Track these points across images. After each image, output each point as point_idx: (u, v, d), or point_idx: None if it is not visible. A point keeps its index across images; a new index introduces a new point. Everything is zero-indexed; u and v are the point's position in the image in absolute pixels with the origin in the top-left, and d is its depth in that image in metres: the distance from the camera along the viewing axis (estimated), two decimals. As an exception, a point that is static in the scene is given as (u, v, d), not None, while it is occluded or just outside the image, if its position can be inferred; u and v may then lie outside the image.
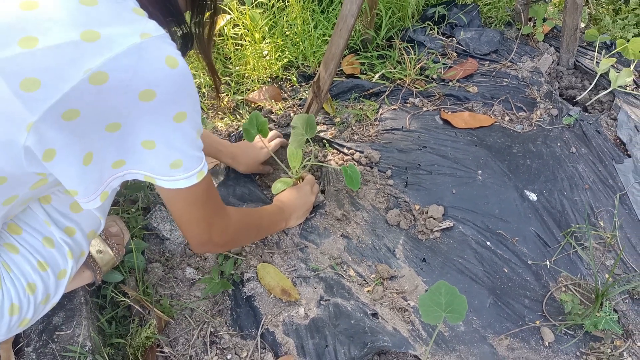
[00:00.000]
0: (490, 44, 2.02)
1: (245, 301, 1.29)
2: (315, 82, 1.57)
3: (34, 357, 1.05)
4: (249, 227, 1.18)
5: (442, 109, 1.79)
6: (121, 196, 1.43)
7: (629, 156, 1.69)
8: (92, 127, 0.70)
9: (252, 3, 1.91)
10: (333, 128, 1.74)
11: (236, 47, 1.91)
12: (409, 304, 1.31)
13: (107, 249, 1.14)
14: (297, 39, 1.93)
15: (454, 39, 2.04)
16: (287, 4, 1.99)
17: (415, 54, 1.93)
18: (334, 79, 1.81)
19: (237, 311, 1.27)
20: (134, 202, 1.44)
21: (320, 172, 1.59)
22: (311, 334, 1.23)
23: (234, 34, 1.90)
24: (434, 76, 1.90)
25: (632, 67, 1.90)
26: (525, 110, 1.82)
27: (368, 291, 1.33)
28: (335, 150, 1.66)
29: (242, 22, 1.88)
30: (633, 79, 1.94)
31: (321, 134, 1.70)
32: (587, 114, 1.83)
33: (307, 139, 1.42)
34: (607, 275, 1.38)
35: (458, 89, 1.86)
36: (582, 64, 1.98)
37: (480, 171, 1.59)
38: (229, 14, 1.86)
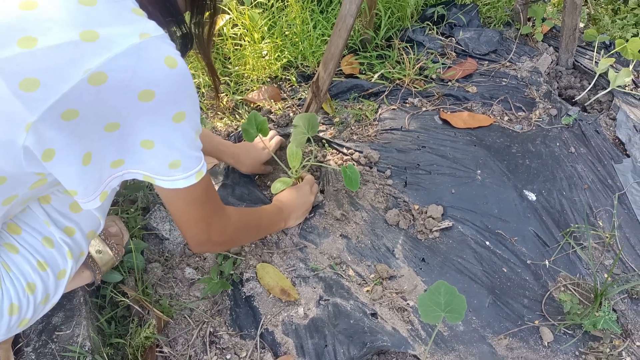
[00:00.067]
0: (490, 44, 2.02)
1: (245, 301, 1.29)
2: (315, 82, 1.57)
3: (33, 357, 1.05)
4: (248, 227, 1.18)
5: (441, 109, 1.79)
6: (120, 196, 1.43)
7: (628, 156, 1.69)
8: (91, 127, 0.70)
9: (252, 3, 1.91)
10: (332, 128, 1.74)
11: (235, 47, 1.91)
12: (408, 303, 1.31)
13: (107, 249, 1.14)
14: (297, 39, 1.93)
15: (453, 39, 2.04)
16: (286, 4, 1.99)
17: (414, 54, 1.93)
18: (333, 79, 1.81)
19: (237, 311, 1.27)
20: (133, 202, 1.44)
21: (319, 172, 1.59)
22: (310, 334, 1.23)
23: (233, 34, 1.90)
24: (433, 76, 1.90)
25: (631, 67, 1.90)
26: (525, 110, 1.82)
27: (367, 291, 1.33)
28: (334, 150, 1.66)
29: (242, 22, 1.88)
30: (632, 79, 1.94)
31: (320, 134, 1.70)
32: (586, 113, 1.83)
33: (307, 138, 1.42)
34: (606, 275, 1.38)
35: (457, 89, 1.86)
36: (581, 64, 1.98)
37: (479, 171, 1.59)
38: (228, 14, 1.86)
